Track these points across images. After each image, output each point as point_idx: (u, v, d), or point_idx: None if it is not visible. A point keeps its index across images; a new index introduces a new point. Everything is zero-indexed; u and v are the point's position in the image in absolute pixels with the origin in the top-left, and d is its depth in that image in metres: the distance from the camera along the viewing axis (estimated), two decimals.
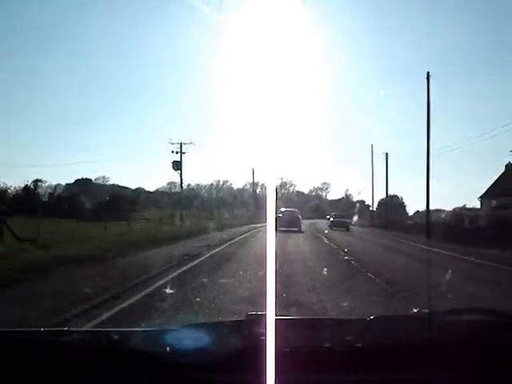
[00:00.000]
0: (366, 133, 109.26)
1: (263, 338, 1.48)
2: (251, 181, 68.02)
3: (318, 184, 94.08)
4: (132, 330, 1.67)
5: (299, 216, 33.03)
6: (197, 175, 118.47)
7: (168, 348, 1.49)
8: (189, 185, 66.88)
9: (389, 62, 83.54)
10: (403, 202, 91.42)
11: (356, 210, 60.64)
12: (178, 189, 63.74)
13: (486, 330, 1.67)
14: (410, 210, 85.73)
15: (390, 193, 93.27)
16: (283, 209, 35.00)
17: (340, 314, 6.22)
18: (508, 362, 1.49)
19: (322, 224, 43.96)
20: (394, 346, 1.54)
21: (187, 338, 1.50)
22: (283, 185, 76.72)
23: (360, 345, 1.53)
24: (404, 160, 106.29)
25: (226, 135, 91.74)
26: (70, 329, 1.63)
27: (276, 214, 33.13)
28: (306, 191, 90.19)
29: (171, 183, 65.67)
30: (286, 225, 30.16)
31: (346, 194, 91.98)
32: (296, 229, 30.23)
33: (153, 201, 53.90)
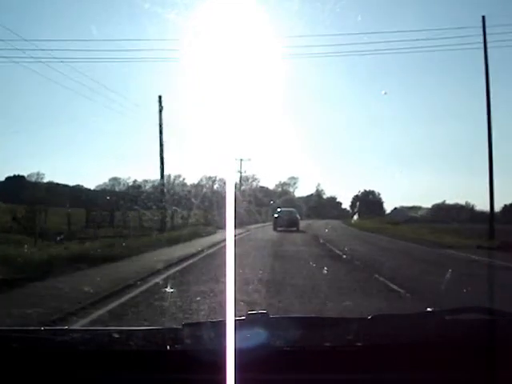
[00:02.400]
0: (337, 126, 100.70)
1: (264, 336, 1.48)
2: (209, 175, 59.20)
3: (284, 179, 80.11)
4: (132, 328, 1.67)
5: (298, 216, 33.30)
6: (144, 170, 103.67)
7: (168, 347, 1.49)
8: (135, 181, 56.70)
9: (355, 58, 78.63)
10: (380, 199, 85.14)
11: (356, 209, 58.54)
12: (122, 186, 58.03)
13: (485, 329, 1.68)
14: (387, 207, 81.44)
15: (366, 188, 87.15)
16: (280, 209, 35.18)
17: None
18: (507, 360, 1.50)
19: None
20: (393, 345, 1.55)
21: (187, 337, 1.50)
22: (244, 179, 60.71)
23: (360, 344, 1.53)
24: (381, 153, 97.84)
25: (180, 126, 76.20)
26: (71, 327, 1.64)
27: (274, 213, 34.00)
28: (271, 187, 75.67)
29: (114, 179, 59.10)
30: (285, 224, 30.53)
31: (317, 190, 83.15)
32: (294, 228, 30.44)
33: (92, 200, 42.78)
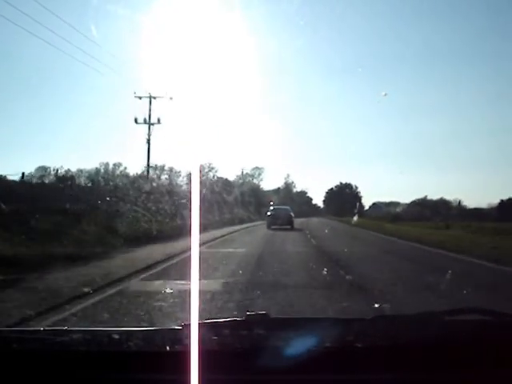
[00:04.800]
0: (309, 116, 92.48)
1: (264, 337, 1.48)
2: (156, 163, 48.14)
3: (247, 169, 65.76)
4: (132, 329, 1.67)
5: (292, 214, 33.07)
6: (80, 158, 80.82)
7: (168, 347, 1.49)
8: (68, 171, 44.00)
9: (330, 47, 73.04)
10: (358, 193, 77.11)
11: (356, 209, 54.67)
12: (52, 177, 43.33)
13: (485, 330, 1.68)
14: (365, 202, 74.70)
15: (342, 181, 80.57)
16: (273, 207, 35.00)
17: None
18: (507, 361, 1.50)
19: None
20: (393, 346, 1.55)
21: (187, 337, 1.50)
22: (201, 169, 48.97)
23: (360, 345, 1.53)
24: (356, 146, 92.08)
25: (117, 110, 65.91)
26: (70, 328, 1.63)
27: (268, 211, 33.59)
28: (231, 178, 59.97)
29: (41, 169, 48.13)
30: (279, 223, 30.35)
31: (286, 183, 74.02)
32: (289, 226, 30.28)
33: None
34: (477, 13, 61.12)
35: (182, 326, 1.57)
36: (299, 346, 1.49)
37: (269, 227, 30.24)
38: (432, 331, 1.65)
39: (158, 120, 33.88)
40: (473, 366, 1.50)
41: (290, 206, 37.40)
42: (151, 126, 34.03)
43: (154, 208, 20.58)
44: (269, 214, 33.00)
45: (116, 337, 1.55)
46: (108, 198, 21.51)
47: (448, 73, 74.46)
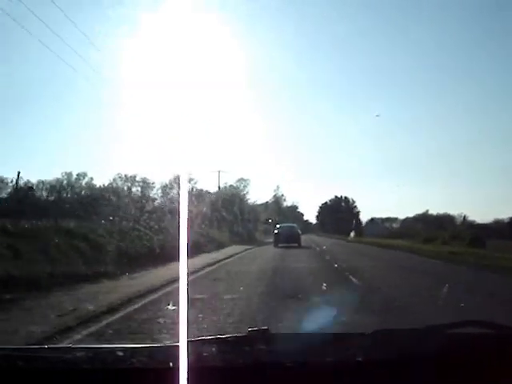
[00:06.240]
0: (298, 121, 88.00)
1: (266, 353, 1.49)
2: (126, 173, 45.02)
3: (231, 181, 54.92)
4: (136, 346, 1.68)
5: (299, 231, 33.43)
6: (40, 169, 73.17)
7: (171, 364, 1.50)
8: (27, 182, 40.36)
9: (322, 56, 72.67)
10: (355, 207, 73.39)
11: (353, 225, 51.31)
12: (8, 188, 39.20)
13: (486, 343, 1.69)
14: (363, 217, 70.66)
15: (337, 194, 75.89)
16: (279, 224, 35.27)
17: None
18: (508, 374, 1.51)
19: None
20: (394, 360, 1.56)
21: (191, 354, 1.51)
22: (175, 181, 39.47)
23: (360, 359, 1.54)
24: (351, 160, 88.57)
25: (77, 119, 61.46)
26: (74, 345, 1.65)
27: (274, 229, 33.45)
28: (212, 190, 50.50)
29: None
30: (286, 240, 30.59)
31: (276, 196, 66.49)
32: (296, 244, 30.42)
33: None
34: (478, 17, 61.14)
35: (186, 342, 1.59)
36: (300, 361, 1.50)
37: (276, 245, 30.48)
38: (432, 344, 1.66)
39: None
40: (473, 378, 1.51)
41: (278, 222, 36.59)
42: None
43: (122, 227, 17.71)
44: (276, 231, 33.44)
45: (120, 354, 1.57)
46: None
47: (449, 83, 74.49)
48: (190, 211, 23.49)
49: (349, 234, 40.64)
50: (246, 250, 28.75)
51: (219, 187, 41.49)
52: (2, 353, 1.64)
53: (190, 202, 28.88)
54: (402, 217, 68.31)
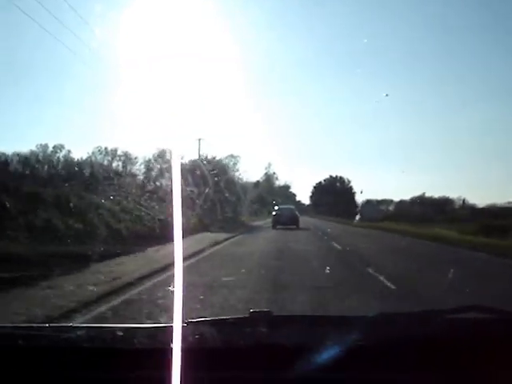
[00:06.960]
0: (293, 105, 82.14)
1: (267, 335, 1.50)
2: (103, 146, 40.62)
3: (221, 155, 48.17)
4: (136, 326, 1.68)
5: (297, 213, 33.53)
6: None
7: (172, 345, 1.50)
8: (1, 155, 37.54)
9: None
10: (351, 188, 68.46)
11: (359, 208, 48.88)
12: None
13: (486, 328, 1.69)
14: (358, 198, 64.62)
15: (332, 174, 70.88)
16: (278, 206, 35.35)
17: None
18: (508, 359, 1.51)
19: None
20: (395, 343, 1.56)
21: (191, 335, 1.52)
22: (160, 155, 37.20)
23: (362, 343, 1.54)
24: (346, 135, 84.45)
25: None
26: (76, 325, 1.65)
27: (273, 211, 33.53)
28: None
29: None
30: (284, 222, 30.77)
31: (267, 174, 60.75)
32: (294, 226, 30.60)
33: None
34: (480, 11, 60.38)
35: (186, 323, 1.59)
36: (301, 343, 1.50)
37: (274, 227, 30.69)
38: (433, 329, 1.66)
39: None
40: (474, 363, 1.52)
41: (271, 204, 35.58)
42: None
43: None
44: (274, 213, 33.58)
45: (120, 333, 1.57)
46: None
47: (446, 67, 73.24)
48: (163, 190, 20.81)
49: (348, 217, 39.66)
50: (215, 243, 17.75)
51: (199, 155, 34.20)
52: (2, 331, 1.65)
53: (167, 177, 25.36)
54: (396, 199, 65.81)
